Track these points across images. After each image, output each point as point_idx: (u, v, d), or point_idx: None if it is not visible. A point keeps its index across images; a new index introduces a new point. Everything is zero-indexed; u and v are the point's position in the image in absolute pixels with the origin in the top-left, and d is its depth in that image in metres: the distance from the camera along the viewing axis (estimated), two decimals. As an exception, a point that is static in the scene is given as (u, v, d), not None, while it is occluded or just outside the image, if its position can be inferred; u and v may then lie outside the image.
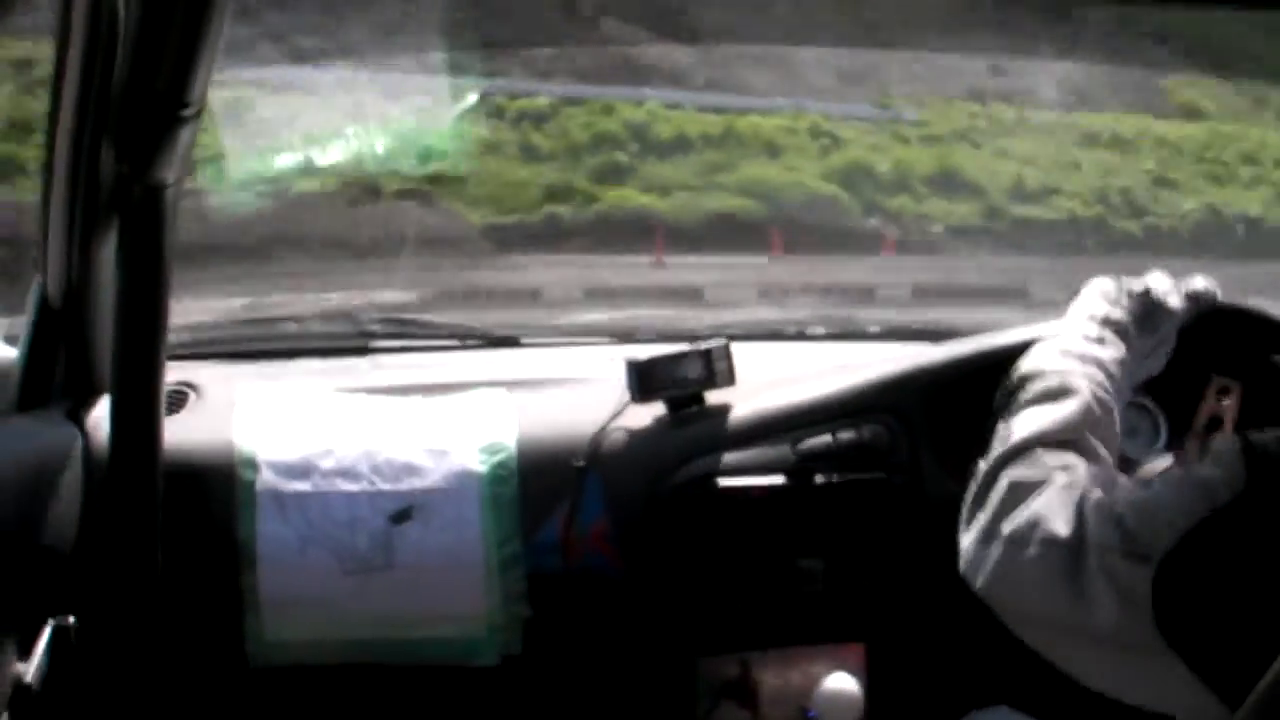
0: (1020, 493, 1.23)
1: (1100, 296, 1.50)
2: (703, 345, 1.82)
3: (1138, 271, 1.54)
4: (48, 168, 1.59)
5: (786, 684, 1.79)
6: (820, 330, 2.27)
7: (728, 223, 4.84)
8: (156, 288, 1.55)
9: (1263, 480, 1.12)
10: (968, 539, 1.27)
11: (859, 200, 5.24)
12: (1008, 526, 1.23)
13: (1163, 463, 1.55)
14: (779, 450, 1.76)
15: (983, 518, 1.26)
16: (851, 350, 2.11)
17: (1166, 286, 1.52)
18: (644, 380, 1.79)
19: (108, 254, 1.61)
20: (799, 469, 1.75)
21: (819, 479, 1.74)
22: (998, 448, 1.31)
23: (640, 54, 5.09)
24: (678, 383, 1.80)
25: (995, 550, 1.23)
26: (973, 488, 1.30)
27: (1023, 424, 1.31)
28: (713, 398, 1.83)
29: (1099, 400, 1.33)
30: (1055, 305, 1.56)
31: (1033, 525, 1.21)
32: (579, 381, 1.93)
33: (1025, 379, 1.38)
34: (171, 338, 1.63)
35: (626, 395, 1.79)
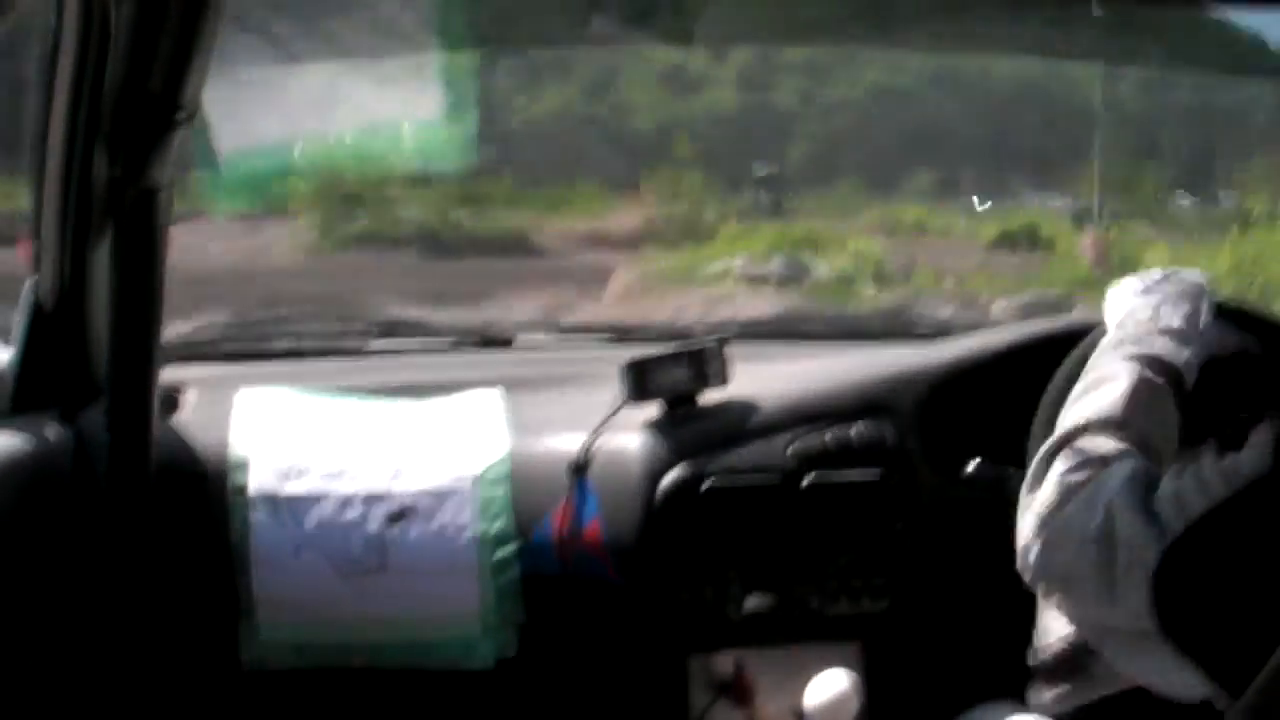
0: (1064, 492, 1.28)
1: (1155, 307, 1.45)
2: (696, 345, 1.83)
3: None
4: (40, 170, 1.59)
5: (782, 683, 1.79)
6: (815, 329, 2.27)
7: None
8: (150, 290, 1.55)
9: None
10: (1023, 526, 1.31)
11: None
12: (1050, 525, 1.27)
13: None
14: (773, 450, 1.76)
15: (1034, 509, 1.30)
16: (846, 350, 2.11)
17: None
18: (638, 381, 1.79)
19: (101, 256, 1.61)
20: (793, 468, 1.75)
21: (813, 478, 1.74)
22: (1052, 436, 1.35)
23: None
24: (672, 383, 1.81)
25: (1037, 546, 1.28)
26: (1028, 475, 1.34)
27: (1072, 414, 1.36)
28: (706, 398, 1.83)
29: (1145, 381, 1.35)
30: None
31: (1069, 525, 1.25)
32: (573, 382, 1.93)
33: (1081, 375, 1.42)
34: (166, 340, 1.63)
35: (621, 396, 1.79)
